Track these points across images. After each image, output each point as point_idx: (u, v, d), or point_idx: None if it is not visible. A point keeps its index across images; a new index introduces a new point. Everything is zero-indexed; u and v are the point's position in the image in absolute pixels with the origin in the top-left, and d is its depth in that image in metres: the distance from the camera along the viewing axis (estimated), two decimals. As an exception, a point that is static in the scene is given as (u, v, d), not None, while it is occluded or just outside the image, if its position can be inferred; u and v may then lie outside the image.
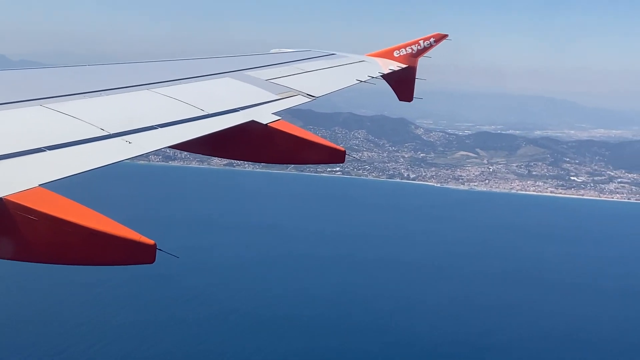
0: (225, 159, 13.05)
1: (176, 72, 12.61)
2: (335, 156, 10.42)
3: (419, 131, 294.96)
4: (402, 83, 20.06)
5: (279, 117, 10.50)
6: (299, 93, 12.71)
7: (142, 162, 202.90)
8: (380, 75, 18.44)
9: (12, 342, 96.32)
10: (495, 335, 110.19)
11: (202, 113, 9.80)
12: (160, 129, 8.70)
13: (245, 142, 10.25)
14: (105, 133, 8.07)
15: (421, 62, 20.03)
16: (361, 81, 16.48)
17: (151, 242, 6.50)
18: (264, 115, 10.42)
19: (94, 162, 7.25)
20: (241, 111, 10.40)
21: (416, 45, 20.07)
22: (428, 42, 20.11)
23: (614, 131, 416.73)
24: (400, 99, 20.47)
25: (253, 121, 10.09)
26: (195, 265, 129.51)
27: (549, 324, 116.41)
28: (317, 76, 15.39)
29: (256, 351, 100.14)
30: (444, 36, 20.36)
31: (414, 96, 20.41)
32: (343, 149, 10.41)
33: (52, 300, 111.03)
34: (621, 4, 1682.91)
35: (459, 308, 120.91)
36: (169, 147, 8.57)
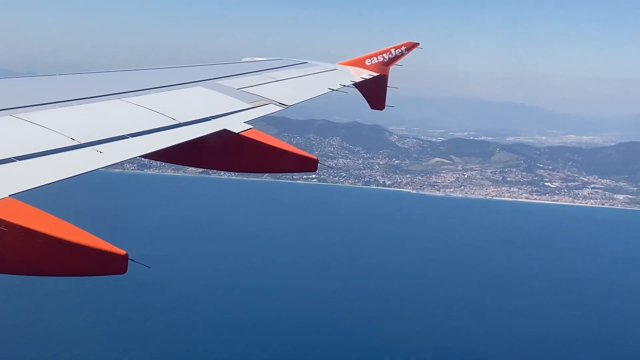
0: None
1: (147, 81, 12.48)
2: (308, 165, 10.33)
3: (394, 138, 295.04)
4: (374, 91, 20.17)
5: (251, 126, 10.41)
6: (271, 102, 12.70)
7: (117, 170, 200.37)
8: (352, 84, 18.46)
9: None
10: (479, 340, 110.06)
11: (174, 122, 9.72)
12: (131, 138, 8.60)
13: (217, 151, 10.17)
14: (76, 143, 7.97)
15: (392, 68, 20.12)
16: (333, 90, 16.45)
17: (122, 252, 6.46)
18: (236, 124, 10.36)
19: (64, 172, 7.14)
20: (213, 120, 10.35)
21: (387, 53, 20.20)
22: (399, 50, 20.26)
23: (584, 137, 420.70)
24: (372, 107, 20.48)
25: (225, 130, 10.01)
26: (175, 274, 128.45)
27: (531, 328, 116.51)
28: (289, 85, 15.39)
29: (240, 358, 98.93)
30: (415, 44, 20.56)
31: (386, 104, 20.48)
32: (315, 157, 10.32)
33: (34, 311, 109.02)
34: (588, 12, 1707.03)
35: (442, 314, 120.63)
36: (141, 156, 8.50)
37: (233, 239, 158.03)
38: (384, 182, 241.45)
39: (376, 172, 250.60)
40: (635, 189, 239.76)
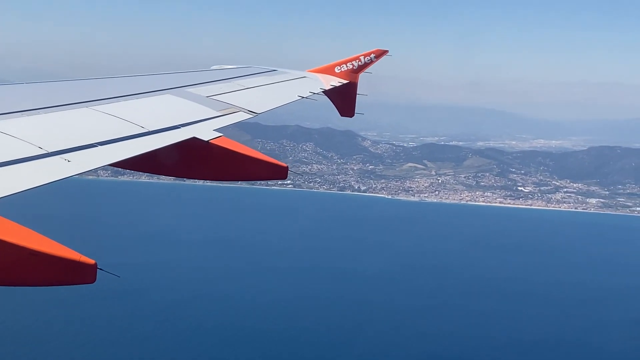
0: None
1: (116, 89, 12.43)
2: (278, 172, 10.27)
3: (366, 143, 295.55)
4: (343, 98, 20.20)
5: (221, 134, 10.29)
6: (241, 109, 12.66)
7: (91, 177, 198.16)
8: (322, 91, 18.44)
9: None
10: (465, 344, 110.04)
11: (143, 130, 9.67)
12: (99, 146, 8.56)
13: (187, 159, 10.12)
14: (43, 152, 7.90)
15: (362, 75, 20.18)
16: (303, 97, 16.42)
17: (91, 261, 6.44)
18: (205, 132, 10.26)
19: (31, 182, 7.05)
20: (182, 128, 10.28)
21: (357, 61, 20.22)
22: (369, 57, 20.29)
23: (553, 141, 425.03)
24: (341, 115, 20.56)
25: (194, 138, 9.93)
26: (152, 282, 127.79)
27: (514, 332, 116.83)
28: (259, 92, 15.43)
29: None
30: (384, 52, 20.60)
31: (356, 111, 20.52)
32: (285, 165, 10.26)
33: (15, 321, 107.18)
34: (554, 18, 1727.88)
35: (427, 318, 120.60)
36: (109, 165, 8.43)
37: (211, 246, 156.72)
38: (358, 187, 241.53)
39: (350, 177, 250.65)
40: (607, 192, 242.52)
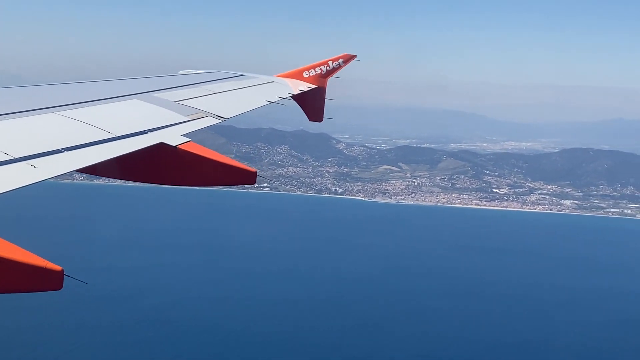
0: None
1: (83, 94, 12.41)
2: (247, 177, 10.24)
3: (341, 146, 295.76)
4: (312, 103, 20.30)
5: (189, 139, 10.27)
6: (209, 114, 12.61)
7: (66, 180, 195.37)
8: (290, 96, 18.40)
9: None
10: (445, 347, 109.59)
11: (110, 136, 9.62)
12: (66, 152, 8.49)
13: (155, 164, 10.08)
14: (9, 157, 7.85)
15: (330, 78, 20.19)
16: (271, 102, 16.43)
17: (58, 268, 6.43)
18: (173, 137, 10.26)
19: None
20: (150, 133, 10.25)
21: (325, 65, 20.41)
22: (337, 62, 20.50)
23: (524, 143, 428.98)
24: (310, 119, 20.62)
25: (162, 143, 9.91)
26: (132, 286, 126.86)
27: (498, 333, 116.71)
28: (227, 97, 15.38)
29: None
30: (352, 57, 20.77)
31: (325, 116, 20.61)
32: (254, 169, 10.27)
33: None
34: (522, 21, 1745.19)
35: (416, 320, 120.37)
36: (76, 170, 8.36)
37: (190, 249, 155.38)
38: (335, 190, 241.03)
39: (327, 180, 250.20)
40: (581, 194, 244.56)
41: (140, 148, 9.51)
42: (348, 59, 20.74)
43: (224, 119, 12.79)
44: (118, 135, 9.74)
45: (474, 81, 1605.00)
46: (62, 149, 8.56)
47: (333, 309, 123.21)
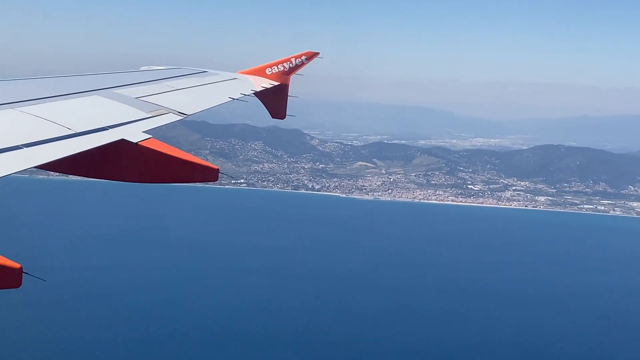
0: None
1: (42, 90, 12.12)
2: (209, 174, 10.19)
3: (315, 142, 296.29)
4: (274, 100, 20.30)
5: (150, 136, 10.19)
6: (170, 111, 12.58)
7: (41, 176, 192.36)
8: (253, 93, 18.42)
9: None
10: (438, 344, 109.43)
11: (70, 132, 9.53)
12: (25, 148, 8.40)
13: (115, 161, 10.00)
14: None
15: (293, 75, 20.23)
16: (233, 99, 16.35)
17: (17, 265, 6.40)
18: (134, 134, 10.18)
19: None
20: (110, 130, 10.20)
21: (288, 62, 20.39)
22: (300, 59, 20.47)
23: (492, 140, 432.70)
24: (273, 117, 20.62)
25: (123, 140, 9.85)
26: (113, 284, 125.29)
27: (486, 331, 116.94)
28: (189, 94, 15.30)
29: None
30: (315, 54, 20.81)
31: (288, 113, 20.62)
32: (216, 167, 10.24)
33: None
34: (485, 18, 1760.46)
35: (403, 317, 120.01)
36: (36, 167, 8.31)
37: (166, 247, 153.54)
38: (312, 186, 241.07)
39: (303, 176, 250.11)
40: (554, 190, 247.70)
41: (101, 144, 9.46)
42: (311, 56, 20.72)
43: (185, 116, 12.71)
44: (78, 131, 9.66)
45: (441, 78, 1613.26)
46: (22, 145, 8.45)
47: (323, 306, 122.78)
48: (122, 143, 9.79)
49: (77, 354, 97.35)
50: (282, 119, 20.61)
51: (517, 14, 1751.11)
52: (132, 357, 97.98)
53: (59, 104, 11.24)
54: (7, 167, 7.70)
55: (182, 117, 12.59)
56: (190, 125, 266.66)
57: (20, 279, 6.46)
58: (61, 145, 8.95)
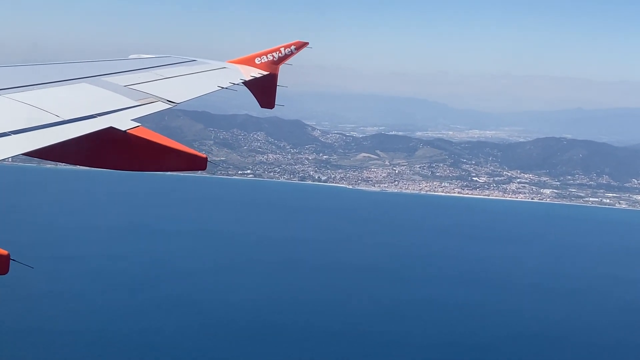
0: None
1: (30, 77, 12.24)
2: (197, 163, 10.18)
3: (316, 133, 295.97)
4: (263, 90, 20.35)
5: (139, 124, 10.23)
6: (159, 99, 12.59)
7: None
8: (242, 82, 18.51)
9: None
10: (455, 335, 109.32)
11: (58, 119, 9.55)
12: (13, 135, 8.38)
13: (104, 149, 10.08)
14: None
15: (282, 65, 20.33)
16: (223, 87, 16.50)
17: (4, 252, 6.46)
18: (123, 122, 10.21)
19: None
20: (99, 117, 10.22)
21: (277, 52, 20.41)
22: (289, 49, 20.52)
23: (488, 132, 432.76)
24: (262, 106, 20.71)
25: (111, 128, 9.86)
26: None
27: (506, 321, 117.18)
28: (178, 82, 15.50)
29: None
30: (305, 44, 20.88)
31: (276, 103, 20.70)
32: (205, 155, 10.24)
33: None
34: (473, 10, 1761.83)
35: (430, 310, 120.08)
36: (23, 154, 8.26)
37: (181, 238, 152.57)
38: (319, 177, 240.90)
39: (307, 167, 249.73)
40: (558, 183, 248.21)
41: (89, 132, 9.47)
42: (300, 45, 20.71)
43: (174, 104, 12.75)
44: (66, 119, 9.67)
45: (431, 70, 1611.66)
46: (9, 132, 8.42)
47: (350, 299, 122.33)
48: (111, 131, 9.82)
49: (107, 346, 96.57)
50: (271, 108, 20.73)
51: (506, 7, 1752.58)
52: (157, 349, 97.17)
53: (47, 91, 11.24)
54: None
55: (170, 106, 12.60)
56: (193, 116, 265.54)
57: (7, 266, 6.45)
58: (49, 133, 8.97)
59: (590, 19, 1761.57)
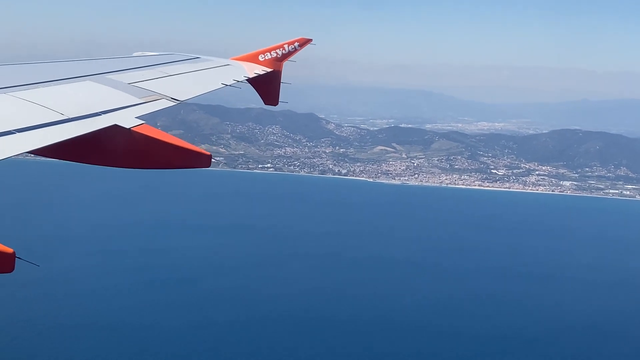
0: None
1: (36, 75, 12.18)
2: (201, 160, 10.24)
3: (331, 126, 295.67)
4: (267, 87, 20.30)
5: (143, 121, 10.26)
6: (163, 97, 12.62)
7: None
8: (246, 79, 18.42)
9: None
10: (496, 329, 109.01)
11: (63, 117, 9.57)
12: (18, 133, 8.41)
13: (108, 146, 10.10)
14: None
15: (285, 62, 20.19)
16: (227, 85, 16.44)
17: (10, 250, 6.50)
18: (127, 119, 10.26)
19: None
20: (103, 115, 10.25)
21: (281, 49, 20.39)
22: (292, 46, 20.49)
23: (497, 124, 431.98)
24: (265, 103, 20.62)
25: (116, 125, 9.91)
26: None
27: (556, 314, 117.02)
28: (181, 80, 15.42)
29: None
30: (308, 40, 20.88)
31: (280, 100, 20.63)
32: (209, 153, 10.25)
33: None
34: (473, 2, 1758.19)
35: (464, 303, 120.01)
36: (28, 152, 8.33)
37: (219, 232, 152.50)
38: (339, 171, 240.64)
39: (326, 160, 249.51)
40: (576, 175, 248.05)
41: (94, 130, 9.49)
42: (304, 42, 20.71)
43: (178, 102, 12.70)
44: (71, 116, 9.69)
45: (434, 62, 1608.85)
46: (14, 130, 8.44)
47: (396, 293, 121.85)
48: (115, 128, 9.84)
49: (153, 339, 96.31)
50: (275, 105, 20.59)
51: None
52: (210, 342, 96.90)
53: (52, 89, 11.25)
54: (1, 152, 7.70)
55: (174, 103, 12.55)
56: (208, 110, 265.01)
57: (13, 264, 6.48)
58: (54, 131, 8.98)
59: (592, 10, 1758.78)
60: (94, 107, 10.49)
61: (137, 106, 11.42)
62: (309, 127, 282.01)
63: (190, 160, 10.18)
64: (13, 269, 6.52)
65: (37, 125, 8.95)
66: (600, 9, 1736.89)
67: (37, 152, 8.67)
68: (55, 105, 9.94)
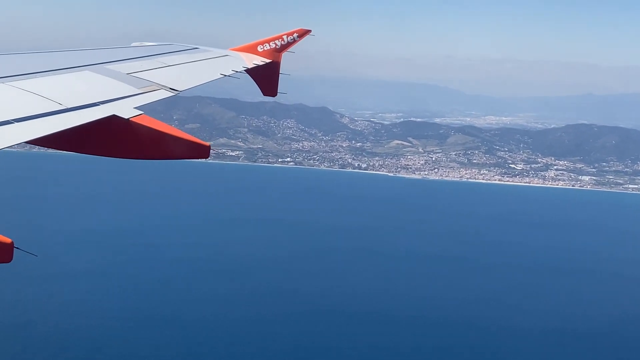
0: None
1: (34, 65, 12.14)
2: (200, 151, 10.20)
3: (345, 120, 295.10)
4: (266, 78, 20.32)
5: (141, 112, 10.24)
6: (162, 87, 12.65)
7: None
8: (245, 70, 18.43)
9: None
10: (557, 322, 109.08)
11: (61, 107, 9.56)
12: (16, 123, 8.41)
13: (106, 137, 10.06)
14: None
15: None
16: (225, 75, 16.47)
17: (7, 240, 6.51)
18: (126, 110, 10.25)
19: None
20: (101, 105, 10.25)
21: (280, 40, 20.32)
22: (291, 37, 20.39)
23: (504, 118, 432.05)
24: (264, 94, 20.75)
25: (114, 116, 9.89)
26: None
27: (603, 310, 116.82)
28: (180, 70, 15.47)
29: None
30: (307, 31, 20.75)
31: (279, 91, 20.68)
32: (208, 144, 10.23)
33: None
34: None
35: (507, 297, 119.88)
36: (26, 142, 8.35)
37: (251, 226, 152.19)
38: (359, 165, 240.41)
39: (344, 154, 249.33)
40: (594, 170, 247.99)
41: (92, 120, 9.49)
42: (303, 33, 20.65)
43: (177, 92, 12.73)
44: (69, 106, 9.70)
45: (436, 55, 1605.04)
46: (12, 120, 8.43)
47: (445, 289, 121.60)
48: (114, 119, 9.83)
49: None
50: (274, 96, 20.57)
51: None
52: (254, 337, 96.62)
53: (50, 79, 11.26)
54: None
55: (173, 94, 12.58)
56: (223, 103, 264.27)
57: (11, 254, 6.47)
58: (52, 121, 8.98)
59: (594, 3, 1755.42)
60: (93, 97, 10.50)
61: (135, 96, 11.44)
62: (323, 121, 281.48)
63: (190, 150, 10.15)
64: (11, 259, 6.48)
65: (35, 115, 8.93)
66: (602, 2, 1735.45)
67: (35, 142, 8.66)
68: (54, 95, 9.95)
